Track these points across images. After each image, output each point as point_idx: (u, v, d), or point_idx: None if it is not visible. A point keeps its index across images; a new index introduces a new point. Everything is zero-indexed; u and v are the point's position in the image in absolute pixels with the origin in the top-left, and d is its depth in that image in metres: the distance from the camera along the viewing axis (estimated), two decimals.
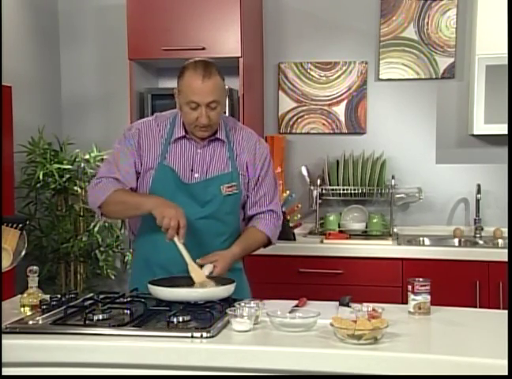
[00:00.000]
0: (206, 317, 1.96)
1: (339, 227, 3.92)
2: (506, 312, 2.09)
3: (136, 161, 2.38)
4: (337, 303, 2.21)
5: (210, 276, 2.22)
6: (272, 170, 2.54)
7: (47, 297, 2.19)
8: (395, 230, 3.89)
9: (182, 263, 2.23)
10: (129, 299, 2.20)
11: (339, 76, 4.06)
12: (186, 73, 2.29)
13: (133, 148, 2.38)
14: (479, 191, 3.85)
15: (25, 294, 2.18)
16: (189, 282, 2.19)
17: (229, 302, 2.11)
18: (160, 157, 2.37)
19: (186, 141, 2.40)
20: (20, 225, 2.24)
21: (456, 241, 3.85)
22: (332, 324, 1.85)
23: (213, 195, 2.37)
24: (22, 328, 1.94)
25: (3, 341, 1.84)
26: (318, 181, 3.94)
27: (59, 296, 2.21)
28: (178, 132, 2.39)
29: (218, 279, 2.20)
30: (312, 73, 4.09)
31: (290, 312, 2.04)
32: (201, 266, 2.25)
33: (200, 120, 2.28)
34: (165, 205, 2.20)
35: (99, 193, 2.34)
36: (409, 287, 2.13)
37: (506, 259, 3.23)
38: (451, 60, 3.94)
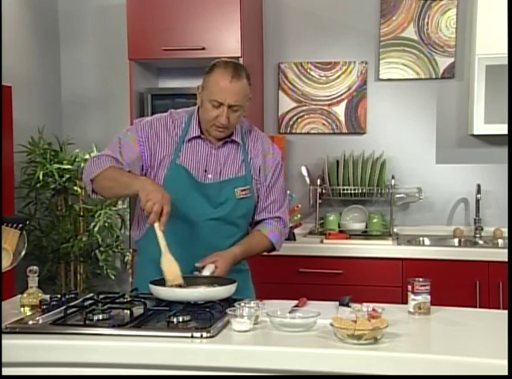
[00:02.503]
0: (206, 317, 1.96)
1: (339, 226, 3.92)
2: (506, 312, 2.09)
3: (143, 153, 2.34)
4: (337, 303, 2.21)
5: (212, 276, 2.22)
6: (283, 176, 2.52)
7: (47, 297, 2.18)
8: (395, 230, 3.89)
9: (190, 265, 2.22)
10: (129, 299, 2.20)
11: (339, 76, 4.06)
12: (215, 70, 2.27)
13: (142, 139, 2.34)
14: (479, 191, 3.85)
15: (25, 294, 2.18)
16: (189, 281, 2.19)
17: (229, 302, 2.11)
18: (173, 155, 2.34)
19: (200, 141, 2.37)
20: (20, 225, 2.24)
21: (456, 241, 3.85)
22: (332, 324, 1.85)
23: (227, 197, 2.36)
24: (22, 328, 1.94)
25: (3, 341, 1.84)
26: (318, 181, 3.95)
27: (59, 296, 2.20)
28: (194, 131, 2.36)
29: (219, 279, 2.19)
30: (312, 73, 4.09)
31: (290, 312, 2.03)
32: (202, 267, 2.25)
33: (219, 119, 2.26)
34: (152, 188, 2.14)
35: (95, 167, 2.30)
36: (409, 287, 2.13)
37: (506, 259, 3.23)
38: (451, 60, 3.95)
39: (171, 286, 2.12)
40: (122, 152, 2.34)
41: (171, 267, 2.15)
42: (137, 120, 2.47)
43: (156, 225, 2.13)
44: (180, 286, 2.13)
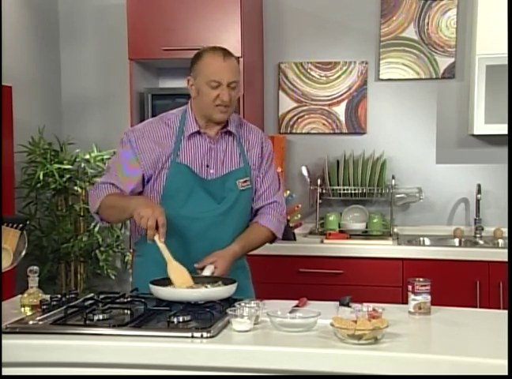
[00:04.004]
0: (206, 317, 1.96)
1: (339, 226, 3.92)
2: (506, 312, 2.09)
3: (141, 163, 2.34)
4: (338, 303, 2.21)
5: (212, 276, 2.21)
6: (274, 164, 2.55)
7: (48, 297, 2.19)
8: (395, 230, 3.89)
9: (192, 264, 2.22)
10: (129, 299, 2.20)
11: (339, 76, 4.06)
12: (204, 55, 2.30)
13: (135, 150, 2.34)
14: (479, 191, 3.85)
15: (25, 294, 2.18)
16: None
17: (229, 301, 2.11)
18: (172, 155, 2.34)
19: (199, 137, 2.38)
20: (21, 225, 2.24)
21: (456, 241, 3.85)
22: (332, 324, 1.85)
23: (229, 190, 2.37)
24: (22, 328, 1.94)
25: (3, 341, 1.84)
26: (319, 181, 3.95)
27: (59, 296, 2.20)
28: (192, 127, 2.36)
29: (220, 279, 2.19)
30: (312, 73, 4.09)
31: (290, 312, 2.03)
32: (202, 268, 2.24)
33: (221, 97, 2.27)
34: (143, 206, 2.17)
35: (95, 199, 2.35)
36: (409, 287, 2.13)
37: (506, 259, 3.23)
38: (451, 60, 3.94)
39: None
40: (117, 174, 2.35)
41: (178, 272, 2.16)
42: (127, 131, 2.45)
43: (156, 238, 2.15)
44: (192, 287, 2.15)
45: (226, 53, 2.31)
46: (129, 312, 2.01)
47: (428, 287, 2.12)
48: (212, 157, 2.38)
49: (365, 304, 2.05)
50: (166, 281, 2.16)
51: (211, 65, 2.28)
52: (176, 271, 2.17)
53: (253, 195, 2.46)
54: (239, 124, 2.47)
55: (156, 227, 2.13)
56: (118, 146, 2.44)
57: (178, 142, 2.36)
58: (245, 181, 2.40)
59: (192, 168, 2.35)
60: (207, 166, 2.37)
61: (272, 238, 2.50)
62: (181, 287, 2.13)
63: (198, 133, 2.37)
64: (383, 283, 3.48)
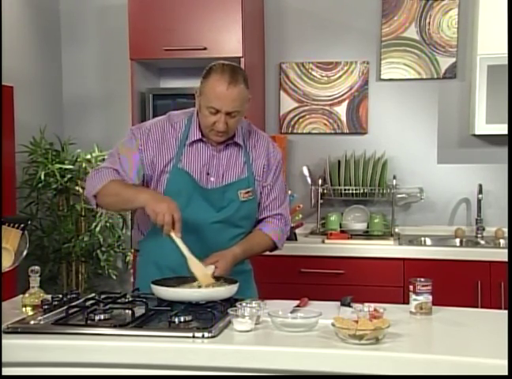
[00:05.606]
0: (208, 317, 1.96)
1: (340, 227, 3.92)
2: (506, 312, 2.09)
3: (143, 161, 2.33)
4: (339, 303, 2.21)
5: (213, 276, 2.21)
6: (282, 174, 2.52)
7: (49, 297, 2.19)
8: (396, 230, 3.89)
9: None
10: (130, 299, 2.20)
11: (340, 77, 4.06)
12: (211, 75, 2.23)
13: (141, 147, 2.32)
14: (480, 191, 3.85)
15: (27, 294, 2.18)
16: (191, 281, 2.19)
17: (231, 302, 2.11)
18: (174, 160, 2.33)
19: (202, 144, 2.35)
20: (22, 225, 2.24)
21: (457, 241, 3.85)
22: (333, 325, 1.85)
23: (230, 200, 2.35)
24: (24, 328, 1.94)
25: (4, 341, 1.84)
26: (320, 182, 3.95)
27: (61, 296, 2.21)
28: (195, 135, 2.34)
29: (221, 279, 2.20)
30: (313, 73, 4.09)
31: (291, 312, 2.04)
32: None
33: (217, 125, 2.24)
34: (156, 200, 2.15)
35: (96, 182, 2.29)
36: (411, 287, 2.13)
37: (507, 259, 3.22)
38: (453, 60, 3.94)
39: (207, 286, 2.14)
40: (122, 163, 2.32)
41: (200, 269, 2.17)
42: (133, 127, 2.44)
43: (173, 234, 2.14)
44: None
45: (233, 79, 2.20)
46: (130, 312, 2.01)
47: (429, 287, 2.12)
48: (213, 165, 2.36)
49: (366, 304, 2.05)
50: (168, 281, 2.16)
51: (213, 90, 2.20)
52: (198, 267, 2.17)
53: (257, 205, 2.44)
54: (248, 131, 2.44)
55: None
56: (122, 138, 2.41)
57: (181, 147, 2.34)
58: (247, 192, 2.37)
59: (192, 175, 2.33)
60: (207, 173, 2.35)
61: (273, 247, 2.49)
62: (206, 282, 2.14)
63: (201, 140, 2.36)
64: (384, 283, 3.48)
